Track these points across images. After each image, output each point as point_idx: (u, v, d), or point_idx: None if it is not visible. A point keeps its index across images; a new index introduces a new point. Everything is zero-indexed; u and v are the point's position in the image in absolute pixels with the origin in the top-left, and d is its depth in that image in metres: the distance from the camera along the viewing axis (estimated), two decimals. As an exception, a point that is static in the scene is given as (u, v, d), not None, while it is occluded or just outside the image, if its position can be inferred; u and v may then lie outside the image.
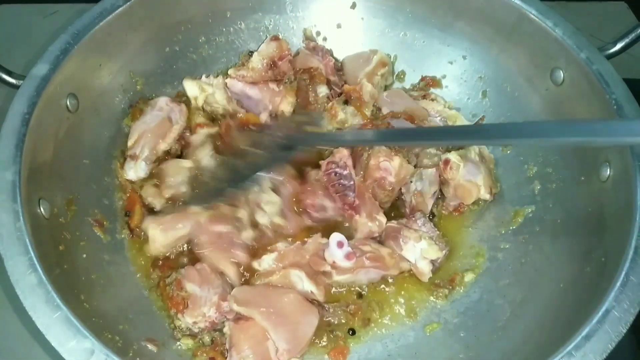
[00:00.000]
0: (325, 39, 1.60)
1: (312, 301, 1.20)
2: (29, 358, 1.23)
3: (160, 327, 1.16)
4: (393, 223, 1.30)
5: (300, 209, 1.31)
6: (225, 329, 1.14)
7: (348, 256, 1.21)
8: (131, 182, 1.32)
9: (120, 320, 1.09)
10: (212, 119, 1.44)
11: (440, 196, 1.39)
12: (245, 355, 1.09)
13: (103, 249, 1.21)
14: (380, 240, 1.30)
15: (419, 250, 1.24)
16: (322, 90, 1.46)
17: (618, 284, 0.99)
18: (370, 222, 1.28)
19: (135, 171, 1.31)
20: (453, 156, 1.33)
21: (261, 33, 1.56)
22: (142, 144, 1.33)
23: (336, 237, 1.23)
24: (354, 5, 1.56)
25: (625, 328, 0.95)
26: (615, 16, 1.92)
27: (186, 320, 1.13)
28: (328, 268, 1.22)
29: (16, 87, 1.18)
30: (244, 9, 1.52)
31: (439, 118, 1.45)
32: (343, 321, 1.22)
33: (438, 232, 1.30)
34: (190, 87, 1.43)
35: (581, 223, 1.22)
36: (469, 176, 1.33)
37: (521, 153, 1.41)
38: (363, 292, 1.26)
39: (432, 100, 1.47)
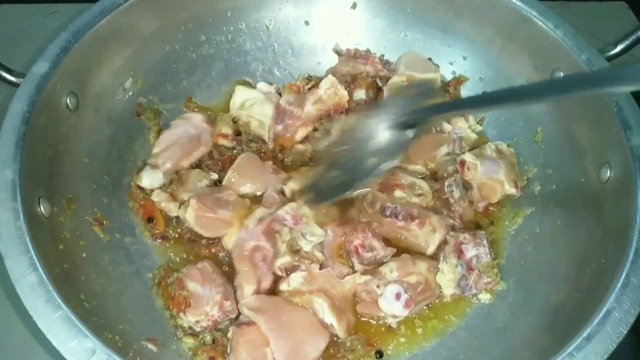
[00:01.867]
0: (326, 41, 1.59)
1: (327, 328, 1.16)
2: (29, 358, 1.23)
3: (161, 327, 1.15)
4: (456, 235, 1.27)
5: (346, 252, 1.25)
6: (229, 334, 1.14)
7: (407, 304, 1.16)
8: (141, 189, 1.31)
9: (121, 319, 1.09)
10: (238, 133, 1.41)
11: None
12: (243, 359, 1.08)
13: (103, 248, 1.20)
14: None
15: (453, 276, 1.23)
16: (359, 94, 1.45)
17: (619, 285, 0.99)
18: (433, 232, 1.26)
19: (151, 180, 1.31)
20: (468, 156, 1.33)
21: (261, 32, 1.56)
22: (167, 156, 1.33)
23: (393, 289, 1.17)
24: (354, 6, 1.56)
25: (626, 329, 0.95)
26: (616, 16, 1.92)
27: (188, 319, 1.13)
28: (382, 314, 1.18)
29: (16, 85, 1.17)
30: (244, 8, 1.52)
31: (457, 136, 1.42)
32: (361, 354, 1.16)
33: (491, 259, 1.25)
34: (242, 92, 1.41)
35: (581, 224, 1.22)
36: (489, 173, 1.32)
37: (521, 154, 1.41)
38: (394, 328, 1.21)
39: (463, 116, 1.44)
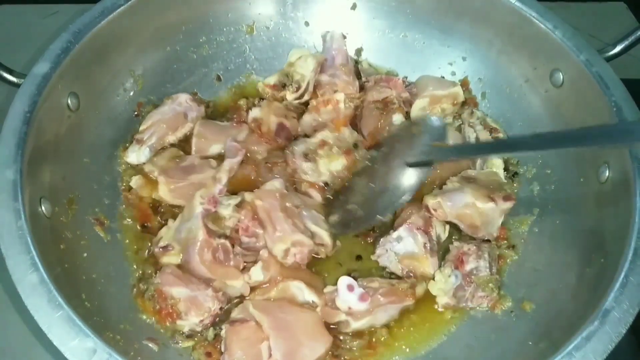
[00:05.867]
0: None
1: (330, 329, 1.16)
2: (30, 357, 1.23)
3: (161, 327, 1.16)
4: (466, 244, 1.24)
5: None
6: (222, 332, 1.13)
7: (362, 297, 1.14)
8: (131, 190, 1.32)
9: (121, 319, 1.09)
10: (283, 85, 1.48)
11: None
12: (238, 357, 1.08)
13: (104, 248, 1.21)
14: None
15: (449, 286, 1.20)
16: (397, 118, 1.43)
17: (618, 285, 0.99)
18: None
19: (137, 155, 1.33)
20: (428, 200, 1.26)
21: (262, 33, 1.56)
22: (152, 131, 1.36)
23: (345, 280, 1.15)
24: (354, 6, 1.56)
25: (625, 329, 0.96)
26: (615, 17, 1.93)
27: (191, 321, 1.12)
28: (343, 317, 1.15)
29: (17, 85, 1.18)
30: (244, 9, 1.52)
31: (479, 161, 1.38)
32: (356, 355, 1.16)
33: (490, 274, 1.20)
34: (295, 51, 1.51)
35: (580, 224, 1.22)
36: (457, 203, 1.24)
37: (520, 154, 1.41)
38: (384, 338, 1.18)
39: (497, 138, 1.39)
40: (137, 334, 1.09)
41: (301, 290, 1.17)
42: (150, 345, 1.08)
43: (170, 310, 1.12)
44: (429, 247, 1.22)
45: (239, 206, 1.24)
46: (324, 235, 1.25)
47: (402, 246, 1.23)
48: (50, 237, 1.08)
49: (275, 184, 1.27)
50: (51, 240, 1.07)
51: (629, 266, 1.01)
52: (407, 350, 1.19)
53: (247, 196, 1.25)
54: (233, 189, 1.30)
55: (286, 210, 1.23)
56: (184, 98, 1.42)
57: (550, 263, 1.23)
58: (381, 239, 1.25)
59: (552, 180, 1.34)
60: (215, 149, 1.39)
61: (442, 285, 1.20)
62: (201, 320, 1.13)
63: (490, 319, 1.21)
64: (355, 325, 1.16)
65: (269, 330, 1.09)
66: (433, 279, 1.22)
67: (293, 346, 1.10)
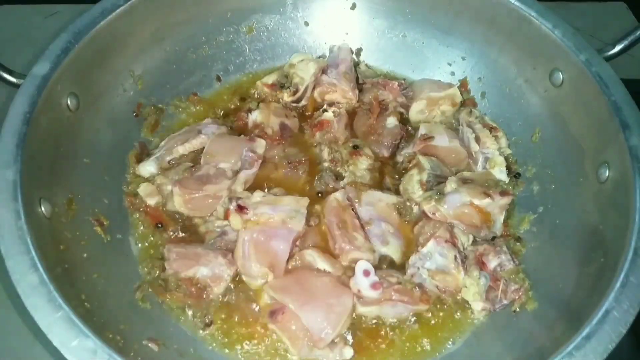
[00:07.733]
0: (325, 42, 1.61)
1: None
2: (30, 358, 1.23)
3: (161, 327, 1.16)
4: (479, 246, 1.25)
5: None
6: (271, 326, 1.15)
7: (374, 286, 1.15)
8: (136, 195, 1.32)
9: (122, 319, 1.09)
10: (282, 85, 1.49)
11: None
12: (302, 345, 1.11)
13: (103, 248, 1.21)
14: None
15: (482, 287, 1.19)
16: (391, 121, 1.43)
17: (618, 284, 0.99)
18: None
19: (147, 167, 1.34)
20: (424, 205, 1.26)
21: (262, 33, 1.56)
22: (162, 144, 1.39)
23: (362, 265, 1.17)
24: (354, 6, 1.56)
25: (625, 328, 0.96)
26: (615, 16, 1.94)
27: (217, 292, 1.18)
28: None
29: (17, 86, 1.17)
30: (244, 9, 1.53)
31: (483, 156, 1.37)
32: None
33: (515, 265, 1.22)
34: (297, 55, 1.51)
35: (580, 224, 1.22)
36: (454, 204, 1.24)
37: (520, 154, 1.42)
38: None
39: (496, 137, 1.40)
40: (137, 334, 1.09)
41: (314, 258, 1.19)
42: (150, 345, 1.08)
43: (200, 287, 1.17)
44: (459, 260, 1.21)
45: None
46: (392, 255, 1.25)
47: (433, 262, 1.21)
48: (50, 237, 1.07)
49: (337, 196, 1.29)
50: (51, 241, 1.07)
51: (629, 266, 1.01)
52: (407, 351, 1.19)
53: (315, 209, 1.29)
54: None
55: (345, 225, 1.25)
56: (211, 129, 1.41)
57: (550, 263, 1.24)
58: (411, 258, 1.22)
59: (552, 179, 1.34)
60: (223, 166, 1.34)
61: (475, 288, 1.19)
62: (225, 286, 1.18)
63: (491, 318, 1.21)
64: (361, 310, 1.17)
65: (297, 309, 1.11)
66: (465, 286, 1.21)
67: (325, 313, 1.12)
